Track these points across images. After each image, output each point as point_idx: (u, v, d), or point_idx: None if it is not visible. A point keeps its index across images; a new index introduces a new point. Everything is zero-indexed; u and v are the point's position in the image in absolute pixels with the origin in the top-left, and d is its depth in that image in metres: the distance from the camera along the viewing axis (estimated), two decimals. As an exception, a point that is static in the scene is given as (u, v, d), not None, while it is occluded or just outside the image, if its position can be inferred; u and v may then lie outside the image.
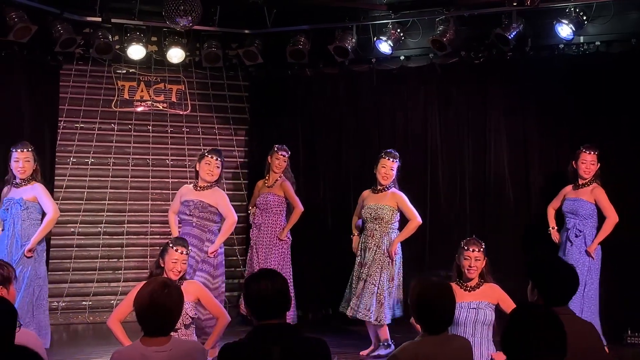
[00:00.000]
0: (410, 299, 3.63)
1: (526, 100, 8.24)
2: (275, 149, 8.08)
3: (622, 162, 7.65)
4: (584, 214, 7.15)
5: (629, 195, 7.50)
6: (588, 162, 7.18)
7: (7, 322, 3.04)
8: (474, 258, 5.34)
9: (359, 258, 7.21)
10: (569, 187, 7.34)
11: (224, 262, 7.35)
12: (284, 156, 8.07)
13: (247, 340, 3.41)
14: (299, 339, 3.44)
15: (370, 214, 7.16)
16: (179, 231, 7.19)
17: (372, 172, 7.32)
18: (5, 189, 6.93)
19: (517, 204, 8.23)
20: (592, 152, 7.20)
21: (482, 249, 5.40)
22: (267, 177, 8.13)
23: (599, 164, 7.22)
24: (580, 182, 7.25)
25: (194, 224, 7.10)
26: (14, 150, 6.84)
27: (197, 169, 7.20)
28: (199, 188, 7.15)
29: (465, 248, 5.38)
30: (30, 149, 6.87)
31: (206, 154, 7.22)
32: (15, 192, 6.81)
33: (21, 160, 6.77)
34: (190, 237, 6.90)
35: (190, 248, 6.23)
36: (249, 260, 8.14)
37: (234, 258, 9.11)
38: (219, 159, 7.18)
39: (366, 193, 7.34)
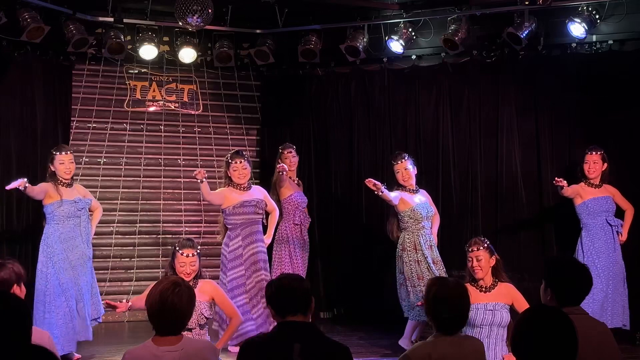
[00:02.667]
0: (425, 297, 3.62)
1: (538, 99, 8.21)
2: (281, 150, 8.01)
3: (635, 161, 7.62)
4: (613, 211, 7.24)
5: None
6: (591, 162, 7.24)
7: (20, 320, 3.03)
8: (475, 258, 5.28)
9: (428, 257, 6.97)
10: (585, 186, 7.31)
11: None
12: (292, 152, 8.03)
13: (269, 335, 3.48)
14: (321, 339, 3.43)
15: (426, 212, 7.12)
16: (245, 231, 7.18)
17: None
18: (56, 188, 6.94)
19: (529, 203, 8.20)
20: (595, 152, 7.24)
21: (482, 248, 5.29)
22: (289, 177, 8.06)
23: (605, 164, 7.23)
24: (592, 182, 7.25)
25: (259, 222, 7.29)
26: (57, 153, 6.98)
27: (229, 175, 7.25)
28: (243, 189, 7.21)
29: (468, 249, 5.34)
30: (71, 151, 7.17)
31: (230, 161, 7.25)
32: (69, 193, 6.98)
33: (66, 162, 6.97)
34: (260, 234, 7.23)
35: (260, 244, 7.12)
36: (281, 259, 7.82)
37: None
38: (243, 161, 7.25)
39: (407, 193, 7.15)
